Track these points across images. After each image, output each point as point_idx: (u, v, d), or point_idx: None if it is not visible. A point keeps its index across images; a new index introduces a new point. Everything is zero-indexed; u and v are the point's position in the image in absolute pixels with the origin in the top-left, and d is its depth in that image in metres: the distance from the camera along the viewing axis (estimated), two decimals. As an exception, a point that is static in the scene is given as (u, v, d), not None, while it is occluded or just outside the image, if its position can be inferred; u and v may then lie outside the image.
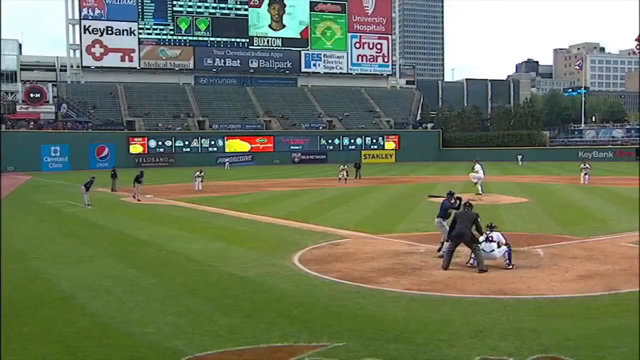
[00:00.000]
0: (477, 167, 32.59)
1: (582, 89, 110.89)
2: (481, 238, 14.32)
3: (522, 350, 8.36)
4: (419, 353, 8.37)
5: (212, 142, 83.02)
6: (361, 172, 48.19)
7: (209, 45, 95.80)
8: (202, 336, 9.28)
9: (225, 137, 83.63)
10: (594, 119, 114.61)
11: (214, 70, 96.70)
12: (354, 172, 46.64)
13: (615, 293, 11.72)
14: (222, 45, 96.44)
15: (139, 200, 31.88)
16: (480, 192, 30.84)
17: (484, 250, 14.14)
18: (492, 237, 14.28)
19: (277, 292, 12.14)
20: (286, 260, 15.28)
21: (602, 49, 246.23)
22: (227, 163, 75.90)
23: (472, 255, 14.24)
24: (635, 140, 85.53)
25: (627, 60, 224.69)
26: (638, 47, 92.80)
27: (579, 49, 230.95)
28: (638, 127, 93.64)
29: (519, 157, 73.08)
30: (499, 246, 14.20)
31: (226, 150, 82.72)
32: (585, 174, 39.51)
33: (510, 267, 13.93)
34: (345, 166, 44.57)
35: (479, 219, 14.24)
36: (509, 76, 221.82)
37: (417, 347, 8.64)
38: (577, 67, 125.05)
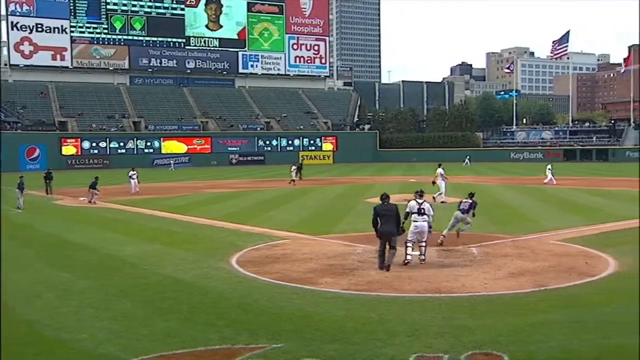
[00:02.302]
0: (440, 170, 31.11)
1: (514, 91, 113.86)
2: (412, 204, 14.90)
3: (457, 347, 8.51)
4: (356, 353, 8.44)
5: (148, 144, 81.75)
6: (302, 173, 48.26)
7: (144, 44, 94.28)
8: (139, 341, 9.12)
9: (162, 139, 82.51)
10: (524, 121, 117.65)
11: (150, 70, 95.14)
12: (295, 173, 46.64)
13: (544, 289, 12.10)
14: (157, 45, 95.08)
15: (95, 203, 31.06)
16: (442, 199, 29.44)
17: (416, 227, 14.66)
18: (424, 209, 14.77)
19: (214, 295, 12.05)
20: (224, 262, 15.17)
21: (532, 54, 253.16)
22: (172, 164, 75.19)
23: (407, 252, 14.59)
24: (563, 141, 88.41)
25: (554, 64, 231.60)
26: (553, 51, 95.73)
27: (510, 53, 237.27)
28: (566, 129, 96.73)
29: (467, 157, 73.86)
30: (429, 218, 14.84)
31: (162, 151, 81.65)
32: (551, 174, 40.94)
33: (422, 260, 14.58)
34: (295, 167, 45.27)
35: (398, 210, 14.44)
36: (444, 78, 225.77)
37: (355, 346, 8.71)
38: (507, 71, 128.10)
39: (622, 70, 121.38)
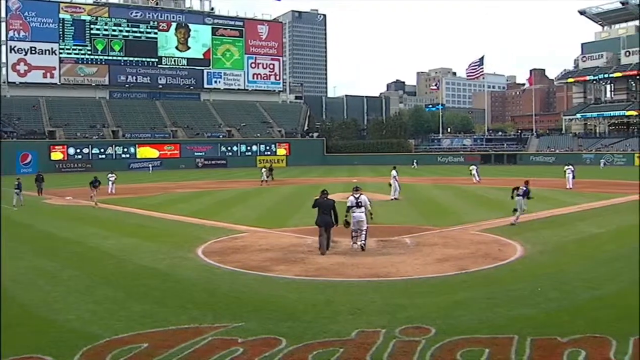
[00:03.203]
0: (394, 172, 30.25)
1: (440, 105, 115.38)
2: (351, 199, 14.89)
3: (393, 323, 8.64)
4: (307, 329, 8.48)
5: (125, 150, 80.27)
6: (273, 174, 47.50)
7: (122, 63, 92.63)
8: (118, 321, 9.01)
9: (137, 145, 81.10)
10: (449, 130, 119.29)
11: (127, 86, 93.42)
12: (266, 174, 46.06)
13: (465, 272, 12.34)
14: (134, 64, 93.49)
15: (92, 198, 29.92)
16: (395, 196, 29.14)
17: (354, 217, 14.70)
18: (361, 202, 14.82)
19: (184, 281, 11.92)
20: (191, 252, 15.01)
21: (454, 73, 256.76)
22: (150, 167, 74.10)
23: (354, 240, 14.77)
24: (480, 147, 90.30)
25: (473, 83, 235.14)
26: (470, 72, 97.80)
27: (436, 72, 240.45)
28: (483, 137, 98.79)
29: (415, 161, 74.07)
30: (365, 209, 14.84)
31: (137, 156, 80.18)
32: (476, 174, 42.29)
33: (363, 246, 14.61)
34: (264, 170, 45.06)
35: (335, 205, 14.72)
36: (381, 93, 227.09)
37: (306, 324, 8.75)
38: (434, 88, 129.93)
39: (524, 88, 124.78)
